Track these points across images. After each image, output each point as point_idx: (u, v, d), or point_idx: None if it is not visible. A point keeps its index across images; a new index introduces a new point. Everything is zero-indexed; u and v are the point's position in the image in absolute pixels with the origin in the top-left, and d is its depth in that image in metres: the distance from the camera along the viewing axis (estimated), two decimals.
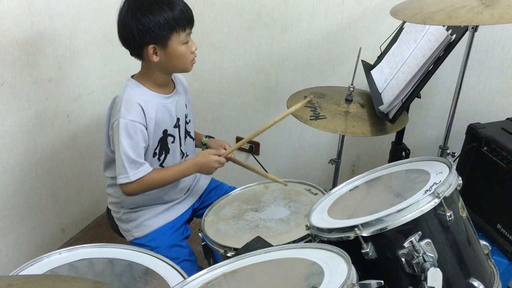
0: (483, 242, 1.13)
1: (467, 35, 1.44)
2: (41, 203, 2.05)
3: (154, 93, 1.46)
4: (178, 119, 1.53)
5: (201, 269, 1.09)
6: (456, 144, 1.75)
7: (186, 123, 1.60)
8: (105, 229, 2.29)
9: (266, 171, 1.60)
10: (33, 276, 0.93)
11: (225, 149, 1.55)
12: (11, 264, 1.95)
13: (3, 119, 1.77)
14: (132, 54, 1.44)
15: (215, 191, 1.75)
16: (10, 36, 1.71)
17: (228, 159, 1.54)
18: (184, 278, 1.12)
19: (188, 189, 1.67)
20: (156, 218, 1.58)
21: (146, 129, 1.42)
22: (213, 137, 1.70)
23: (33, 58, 1.83)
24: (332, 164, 1.94)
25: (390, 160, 1.93)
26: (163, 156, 1.52)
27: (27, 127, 1.88)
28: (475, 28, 1.43)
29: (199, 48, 2.40)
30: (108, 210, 1.67)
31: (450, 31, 1.46)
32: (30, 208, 2.00)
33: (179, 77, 1.62)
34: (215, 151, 1.51)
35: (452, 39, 1.42)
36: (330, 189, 1.37)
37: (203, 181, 1.74)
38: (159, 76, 1.47)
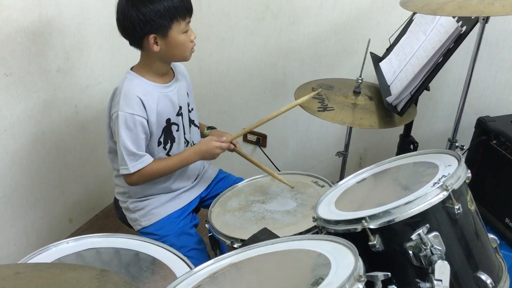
0: (491, 236, 1.12)
1: (477, 26, 1.42)
2: (49, 193, 2.06)
3: (154, 84, 1.47)
4: (180, 107, 1.54)
5: (209, 258, 1.09)
6: (465, 138, 1.74)
7: (189, 111, 1.60)
8: (112, 219, 2.30)
9: (276, 166, 1.59)
10: (41, 265, 0.93)
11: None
12: (19, 252, 1.96)
13: (11, 109, 1.78)
14: (131, 44, 1.45)
15: (223, 182, 1.75)
16: (18, 26, 1.72)
17: (233, 149, 1.54)
18: (191, 269, 1.13)
19: (196, 178, 1.67)
20: (164, 207, 1.59)
21: (148, 121, 1.44)
22: (215, 128, 1.71)
23: (42, 48, 1.83)
24: (339, 157, 1.93)
25: (398, 153, 1.91)
26: (168, 145, 1.53)
27: (36, 117, 1.89)
28: (486, 20, 1.41)
29: (207, 40, 2.40)
30: (116, 200, 1.68)
31: (460, 22, 1.44)
32: (38, 198, 2.01)
33: (179, 66, 1.62)
34: (216, 137, 1.53)
35: (463, 31, 1.41)
36: (338, 182, 1.37)
37: (212, 171, 1.75)
38: (159, 65, 1.48)
